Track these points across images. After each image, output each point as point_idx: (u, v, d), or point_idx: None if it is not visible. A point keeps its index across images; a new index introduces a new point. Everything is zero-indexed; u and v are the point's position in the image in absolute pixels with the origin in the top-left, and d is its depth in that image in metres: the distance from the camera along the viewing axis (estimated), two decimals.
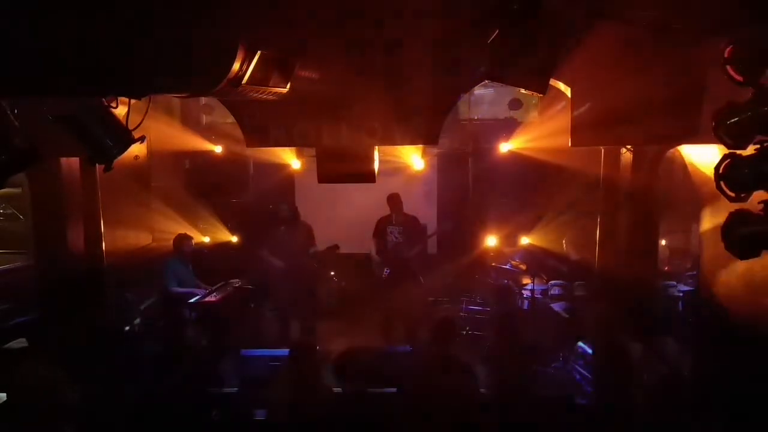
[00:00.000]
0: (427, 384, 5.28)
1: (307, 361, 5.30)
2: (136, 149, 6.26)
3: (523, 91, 9.41)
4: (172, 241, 8.75)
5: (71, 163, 7.02)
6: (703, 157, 6.09)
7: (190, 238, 8.90)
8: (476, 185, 10.81)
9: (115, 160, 5.19)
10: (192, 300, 8.06)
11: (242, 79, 4.73)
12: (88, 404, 5.52)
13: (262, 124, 7.51)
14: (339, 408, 4.96)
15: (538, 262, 9.46)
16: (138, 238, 9.14)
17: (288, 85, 5.71)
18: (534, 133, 9.19)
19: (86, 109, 5.04)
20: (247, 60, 4.67)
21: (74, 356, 6.41)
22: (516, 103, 10.60)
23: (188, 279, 8.65)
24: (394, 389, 5.78)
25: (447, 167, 11.03)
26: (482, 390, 5.43)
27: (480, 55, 6.62)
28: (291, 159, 10.35)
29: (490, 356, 7.60)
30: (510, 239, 10.00)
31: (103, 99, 5.05)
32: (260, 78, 5.02)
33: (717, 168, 3.80)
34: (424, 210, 10.25)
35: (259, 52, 4.75)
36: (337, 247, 9.40)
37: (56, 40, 4.02)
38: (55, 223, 6.99)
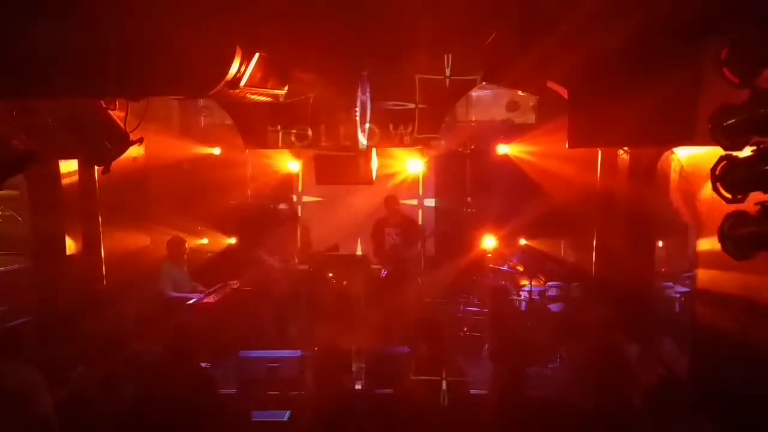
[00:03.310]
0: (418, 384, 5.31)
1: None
2: (135, 151, 6.27)
3: (520, 92, 9.51)
4: (170, 244, 8.74)
5: (70, 165, 7.02)
6: (699, 157, 6.11)
7: (183, 241, 8.88)
8: (474, 186, 10.81)
9: (113, 162, 5.20)
10: (190, 302, 8.05)
11: (240, 81, 4.75)
12: (82, 407, 5.53)
13: (260, 126, 7.53)
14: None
15: (535, 263, 9.47)
16: (136, 240, 9.13)
17: (286, 87, 5.72)
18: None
19: (84, 112, 5.06)
20: (245, 62, 4.69)
21: (71, 358, 6.42)
22: (513, 105, 10.62)
23: (184, 282, 8.64)
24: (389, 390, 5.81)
25: (445, 168, 11.04)
26: (473, 391, 5.46)
27: (478, 57, 6.66)
28: (289, 160, 10.35)
29: (488, 356, 7.61)
30: (508, 240, 10.01)
31: (102, 101, 5.06)
32: (258, 80, 5.04)
33: (713, 170, 3.81)
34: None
35: (257, 54, 4.77)
36: (336, 247, 9.41)
37: (55, 43, 4.04)
38: (53, 225, 6.98)
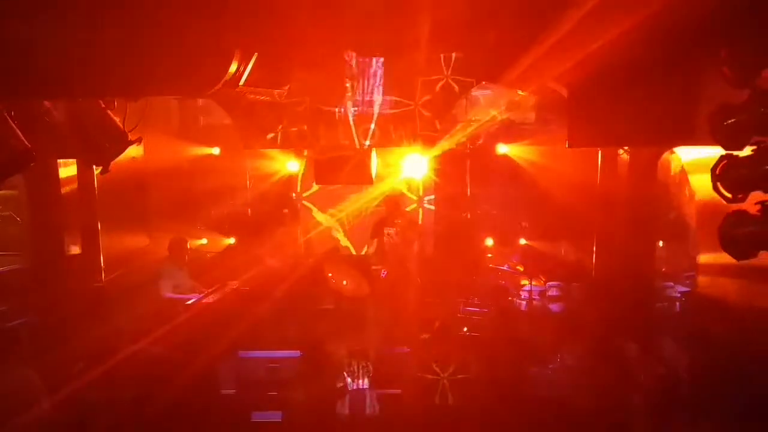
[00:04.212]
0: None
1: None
2: (133, 151, 6.25)
3: (520, 92, 9.50)
4: (169, 244, 8.72)
5: (68, 165, 7.01)
6: (699, 157, 6.10)
7: (185, 241, 8.86)
8: (474, 186, 10.80)
9: (112, 162, 5.19)
10: (189, 302, 8.03)
11: (239, 81, 4.74)
12: (81, 408, 5.53)
13: (259, 126, 7.52)
14: (338, 407, 4.98)
15: (535, 263, 9.46)
16: (135, 240, 9.11)
17: (285, 87, 5.71)
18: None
19: (83, 112, 5.05)
20: (243, 62, 4.68)
21: (70, 359, 6.41)
22: (513, 104, 10.59)
23: (184, 282, 8.62)
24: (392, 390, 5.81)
25: (445, 168, 11.02)
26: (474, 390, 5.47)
27: (478, 57, 6.65)
28: (289, 160, 10.34)
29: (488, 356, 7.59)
30: (508, 240, 9.99)
31: (100, 101, 5.05)
32: (257, 80, 5.03)
33: (714, 169, 3.79)
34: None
35: (256, 53, 4.76)
36: (336, 249, 9.42)
37: (54, 43, 4.02)
38: (52, 225, 6.97)
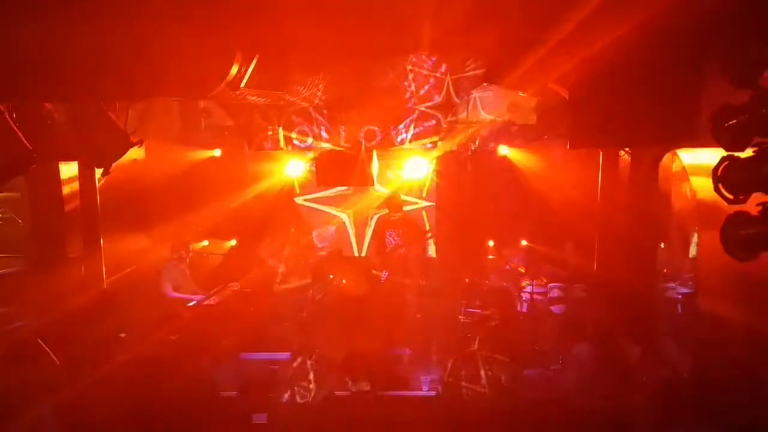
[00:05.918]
0: None
1: (308, 363, 5.33)
2: (135, 153, 6.26)
3: (521, 93, 9.51)
4: (170, 246, 8.74)
5: (70, 167, 7.01)
6: (701, 158, 6.10)
7: (188, 242, 8.88)
8: (475, 187, 10.80)
9: (114, 164, 5.20)
10: (190, 303, 8.04)
11: (240, 83, 4.75)
12: (82, 410, 5.52)
13: (261, 127, 7.53)
14: (339, 409, 4.98)
15: (537, 264, 9.45)
16: (137, 242, 9.11)
17: (287, 89, 5.71)
18: None
19: (85, 114, 5.06)
20: (245, 64, 4.69)
21: (71, 361, 6.41)
22: (514, 106, 10.59)
23: (186, 283, 8.64)
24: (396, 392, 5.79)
25: (446, 169, 11.02)
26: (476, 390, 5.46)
27: (479, 58, 6.65)
28: (290, 161, 10.33)
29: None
30: (509, 241, 9.99)
31: (102, 103, 5.06)
32: (258, 82, 5.04)
33: (715, 170, 3.79)
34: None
35: (257, 55, 4.77)
36: (339, 251, 9.41)
37: (56, 45, 4.03)
38: (53, 228, 6.97)
